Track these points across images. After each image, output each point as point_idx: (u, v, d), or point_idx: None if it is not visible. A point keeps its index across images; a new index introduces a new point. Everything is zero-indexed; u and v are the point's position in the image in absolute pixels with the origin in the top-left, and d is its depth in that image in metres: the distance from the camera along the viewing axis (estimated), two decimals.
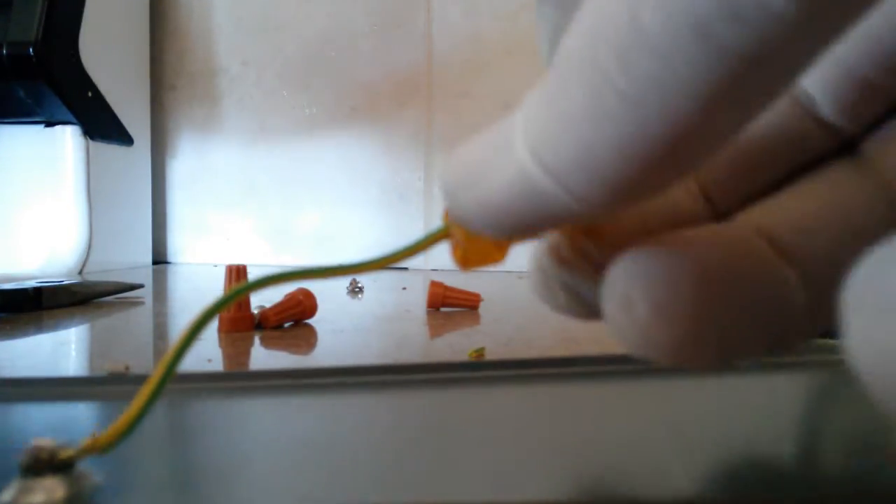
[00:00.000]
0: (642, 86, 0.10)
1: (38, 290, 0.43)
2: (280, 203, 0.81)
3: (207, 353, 0.32)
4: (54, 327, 0.40)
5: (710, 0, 0.09)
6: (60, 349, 0.35)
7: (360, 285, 0.55)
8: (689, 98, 0.09)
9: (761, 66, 0.09)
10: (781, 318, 0.13)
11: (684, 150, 0.10)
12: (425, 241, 0.14)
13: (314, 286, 0.41)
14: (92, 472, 0.14)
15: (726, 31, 0.09)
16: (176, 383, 0.26)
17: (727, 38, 0.09)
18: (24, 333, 0.38)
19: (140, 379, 0.27)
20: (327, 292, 0.50)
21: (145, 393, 0.13)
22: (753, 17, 0.09)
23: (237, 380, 0.26)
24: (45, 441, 0.14)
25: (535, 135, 0.11)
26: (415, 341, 0.35)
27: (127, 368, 0.28)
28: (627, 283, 0.12)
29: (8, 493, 0.14)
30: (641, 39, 0.09)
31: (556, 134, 0.11)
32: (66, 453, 0.14)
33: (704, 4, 0.09)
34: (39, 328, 0.39)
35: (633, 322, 0.12)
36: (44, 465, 0.14)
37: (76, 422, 0.23)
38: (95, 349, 0.36)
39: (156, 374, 0.13)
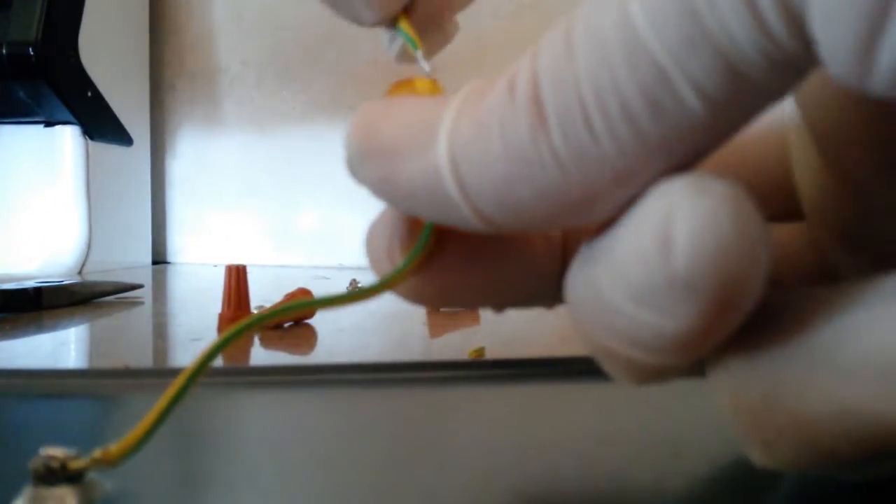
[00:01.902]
0: (574, 151, 0.10)
1: (37, 290, 0.43)
2: (280, 203, 0.81)
3: None
4: (54, 327, 0.40)
5: (634, 89, 0.10)
6: (60, 349, 0.35)
7: (360, 285, 0.55)
8: (606, 170, 0.11)
9: (672, 150, 0.10)
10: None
11: (592, 205, 0.11)
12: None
13: (314, 286, 0.41)
14: (101, 481, 0.14)
15: (647, 119, 0.10)
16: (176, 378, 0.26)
17: (647, 125, 0.10)
18: (24, 333, 0.38)
19: (139, 373, 0.27)
20: (328, 292, 0.50)
21: (157, 410, 0.13)
22: (670, 110, 0.10)
23: (236, 375, 0.26)
24: (56, 451, 0.14)
25: (462, 150, 0.11)
26: (415, 340, 0.35)
27: (127, 368, 0.28)
28: None
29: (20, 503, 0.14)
30: (580, 110, 0.10)
31: (483, 162, 0.11)
32: (77, 464, 0.14)
33: (631, 92, 0.10)
34: (39, 328, 0.39)
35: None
36: (55, 475, 0.14)
37: (76, 417, 0.23)
38: (95, 349, 0.37)
39: (166, 395, 0.13)
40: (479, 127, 0.11)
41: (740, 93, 0.10)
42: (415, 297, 0.15)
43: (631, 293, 0.11)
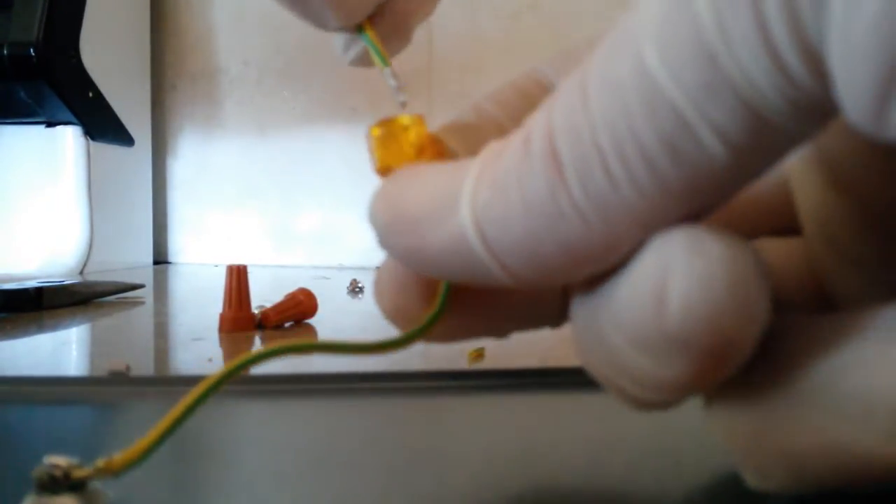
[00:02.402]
0: (593, 200, 0.10)
1: (39, 290, 0.44)
2: (280, 203, 0.81)
3: (208, 353, 0.32)
4: (55, 327, 0.40)
5: (652, 135, 0.10)
6: (61, 349, 0.35)
7: (360, 285, 0.55)
8: (627, 216, 0.11)
9: (693, 194, 0.10)
10: None
11: (616, 252, 0.11)
12: None
13: (314, 286, 0.41)
14: (104, 490, 0.14)
15: (667, 164, 0.10)
16: (178, 385, 0.26)
17: (667, 170, 0.10)
18: (25, 333, 0.38)
19: (141, 381, 0.27)
20: (328, 292, 0.50)
21: (160, 428, 0.13)
22: (691, 155, 0.10)
23: (237, 384, 0.26)
24: (59, 460, 0.14)
25: (483, 210, 0.11)
26: None
27: (128, 368, 0.28)
28: None
29: None
30: (598, 159, 0.10)
31: (505, 220, 0.11)
32: (80, 473, 0.14)
33: (650, 138, 0.10)
34: (40, 328, 0.39)
35: None
36: (58, 483, 0.14)
37: (77, 421, 0.23)
38: (96, 349, 0.37)
39: (170, 415, 0.13)
40: (498, 186, 0.11)
41: (762, 136, 0.10)
42: (423, 340, 0.15)
43: (628, 339, 0.11)
